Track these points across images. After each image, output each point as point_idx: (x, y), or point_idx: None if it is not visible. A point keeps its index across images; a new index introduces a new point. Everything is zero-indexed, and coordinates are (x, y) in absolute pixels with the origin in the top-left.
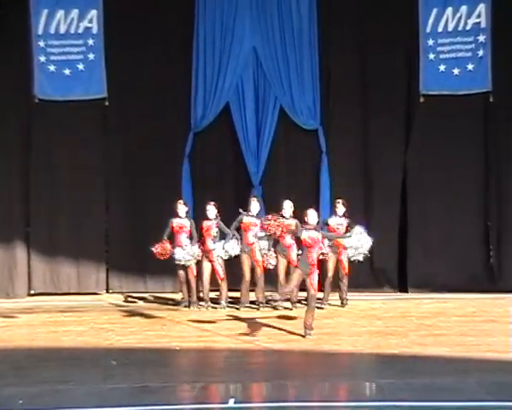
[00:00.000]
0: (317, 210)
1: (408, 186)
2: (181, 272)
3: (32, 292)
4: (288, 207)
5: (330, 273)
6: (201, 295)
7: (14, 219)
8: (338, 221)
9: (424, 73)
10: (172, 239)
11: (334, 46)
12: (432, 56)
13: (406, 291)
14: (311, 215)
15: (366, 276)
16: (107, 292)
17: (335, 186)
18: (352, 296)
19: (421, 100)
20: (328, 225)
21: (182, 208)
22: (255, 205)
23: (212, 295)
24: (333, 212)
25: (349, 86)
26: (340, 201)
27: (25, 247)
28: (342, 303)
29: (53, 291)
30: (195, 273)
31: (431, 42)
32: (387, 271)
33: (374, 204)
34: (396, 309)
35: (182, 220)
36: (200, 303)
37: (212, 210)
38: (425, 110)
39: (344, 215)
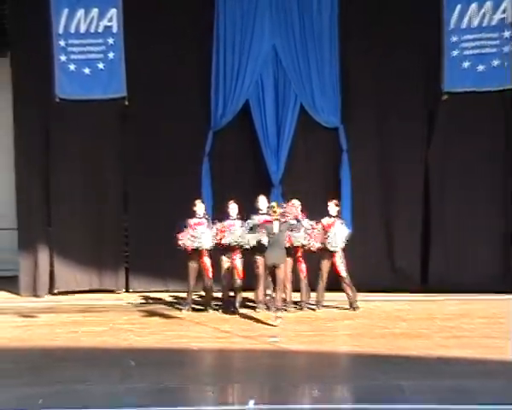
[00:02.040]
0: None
1: (430, 185)
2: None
3: (56, 291)
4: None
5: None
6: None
7: (36, 219)
8: (329, 221)
9: (447, 70)
10: None
11: (354, 44)
12: (455, 53)
13: (428, 292)
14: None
15: (387, 276)
16: (127, 291)
17: (356, 185)
18: (375, 297)
19: (444, 97)
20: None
21: (200, 207)
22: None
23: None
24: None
25: (370, 84)
26: (332, 201)
27: (46, 246)
28: (352, 306)
29: (75, 289)
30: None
31: (454, 38)
32: (409, 271)
33: (395, 204)
34: (419, 311)
35: (199, 220)
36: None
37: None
38: (448, 108)
39: (337, 216)
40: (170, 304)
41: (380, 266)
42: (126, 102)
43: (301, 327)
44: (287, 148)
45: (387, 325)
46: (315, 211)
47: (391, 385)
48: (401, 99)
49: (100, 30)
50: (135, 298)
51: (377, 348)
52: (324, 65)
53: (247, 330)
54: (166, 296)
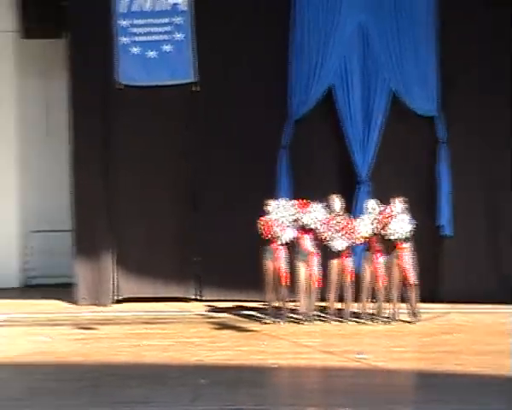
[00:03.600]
0: (435, 209)
1: None
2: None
3: (118, 298)
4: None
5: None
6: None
7: (95, 220)
8: None
9: None
10: None
11: (454, 18)
12: None
13: None
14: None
15: (493, 285)
16: (198, 300)
17: (456, 182)
18: (478, 309)
19: None
20: None
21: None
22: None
23: None
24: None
25: (472, 65)
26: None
27: (108, 250)
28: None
29: (139, 296)
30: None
31: None
32: None
33: (500, 200)
34: None
35: None
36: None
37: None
38: None
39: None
40: (245, 315)
41: (484, 275)
42: (196, 89)
43: (393, 342)
44: (375, 139)
45: (491, 341)
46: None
47: None
48: (509, 83)
49: (166, 8)
50: (205, 308)
51: (482, 368)
52: (420, 44)
53: (331, 346)
54: (241, 306)
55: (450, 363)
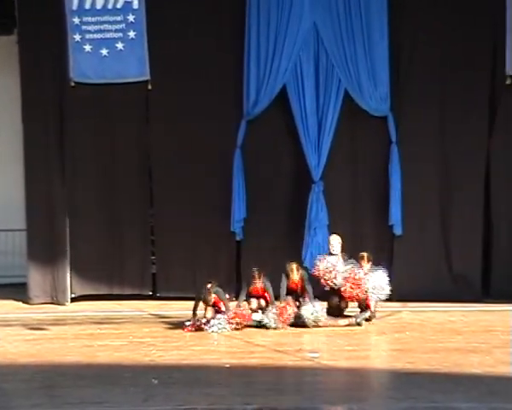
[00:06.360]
0: (387, 209)
1: (492, 180)
2: None
3: (73, 296)
4: (336, 243)
5: None
6: None
7: (49, 219)
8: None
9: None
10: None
11: (406, 20)
12: None
13: (490, 302)
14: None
15: (444, 284)
16: (154, 297)
17: (407, 182)
18: (429, 307)
19: (508, 82)
20: None
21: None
22: None
23: None
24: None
25: (424, 67)
26: (364, 255)
27: (62, 249)
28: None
29: (94, 293)
30: None
31: None
32: (469, 277)
33: (452, 201)
34: (478, 322)
35: None
36: None
37: None
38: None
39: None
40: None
41: (435, 274)
42: (149, 87)
43: (345, 341)
44: (329, 140)
45: (441, 338)
46: (360, 211)
47: (448, 407)
48: (460, 84)
49: (119, 6)
50: (158, 307)
51: (431, 365)
52: (372, 45)
53: (284, 345)
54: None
55: (401, 361)
